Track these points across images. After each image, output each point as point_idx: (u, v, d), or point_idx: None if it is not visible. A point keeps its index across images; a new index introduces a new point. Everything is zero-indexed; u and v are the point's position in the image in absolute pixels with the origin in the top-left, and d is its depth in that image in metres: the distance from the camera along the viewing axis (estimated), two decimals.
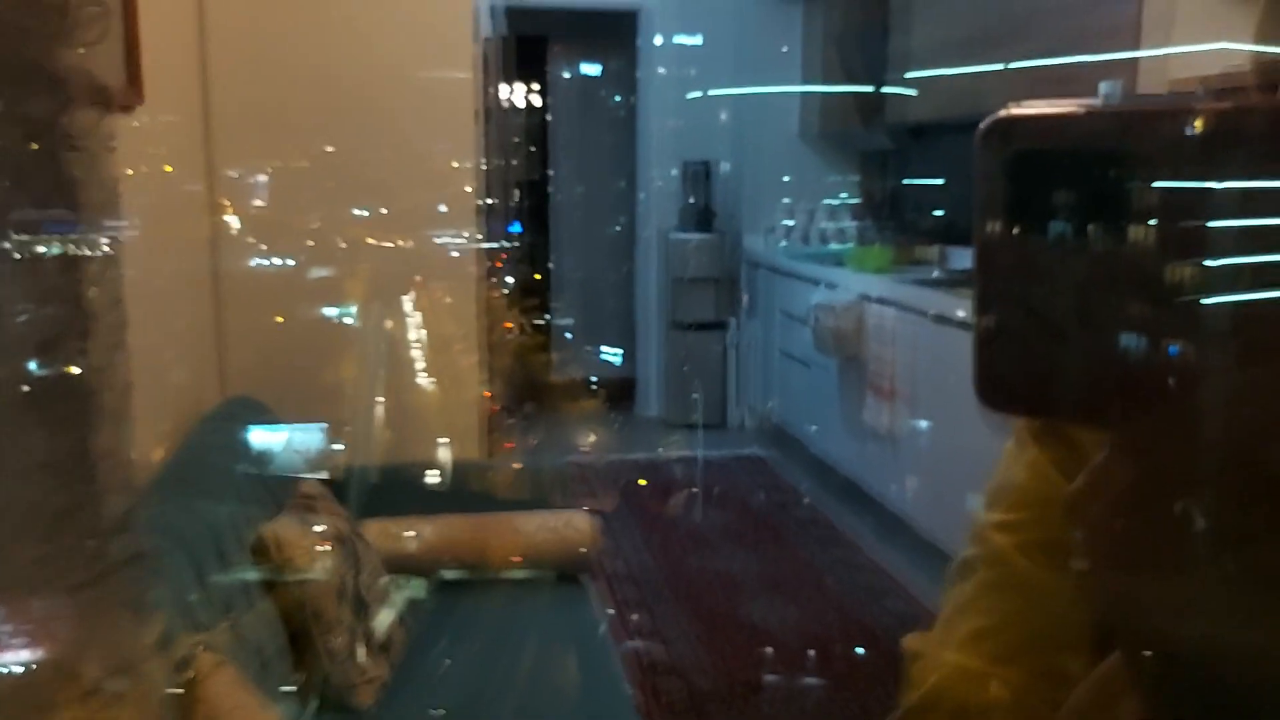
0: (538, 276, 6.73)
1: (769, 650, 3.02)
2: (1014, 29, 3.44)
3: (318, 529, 1.97)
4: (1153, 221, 0.33)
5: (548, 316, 6.66)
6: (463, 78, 2.74)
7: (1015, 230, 0.35)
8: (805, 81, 5.25)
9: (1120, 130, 0.35)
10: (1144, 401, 0.35)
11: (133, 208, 2.09)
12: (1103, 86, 0.36)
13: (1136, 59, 2.95)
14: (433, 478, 2.83)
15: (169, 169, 2.51)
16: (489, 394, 3.90)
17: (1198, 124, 0.33)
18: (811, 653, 3.00)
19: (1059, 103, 0.36)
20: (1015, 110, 0.36)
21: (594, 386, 6.25)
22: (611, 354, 6.41)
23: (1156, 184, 0.33)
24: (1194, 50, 2.80)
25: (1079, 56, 2.99)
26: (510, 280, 6.43)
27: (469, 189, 3.01)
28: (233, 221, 2.74)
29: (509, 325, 5.73)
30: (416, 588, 2.33)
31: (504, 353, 5.55)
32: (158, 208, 2.27)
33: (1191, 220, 0.33)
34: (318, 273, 2.84)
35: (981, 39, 3.68)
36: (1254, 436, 0.34)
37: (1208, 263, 0.33)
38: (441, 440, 3.05)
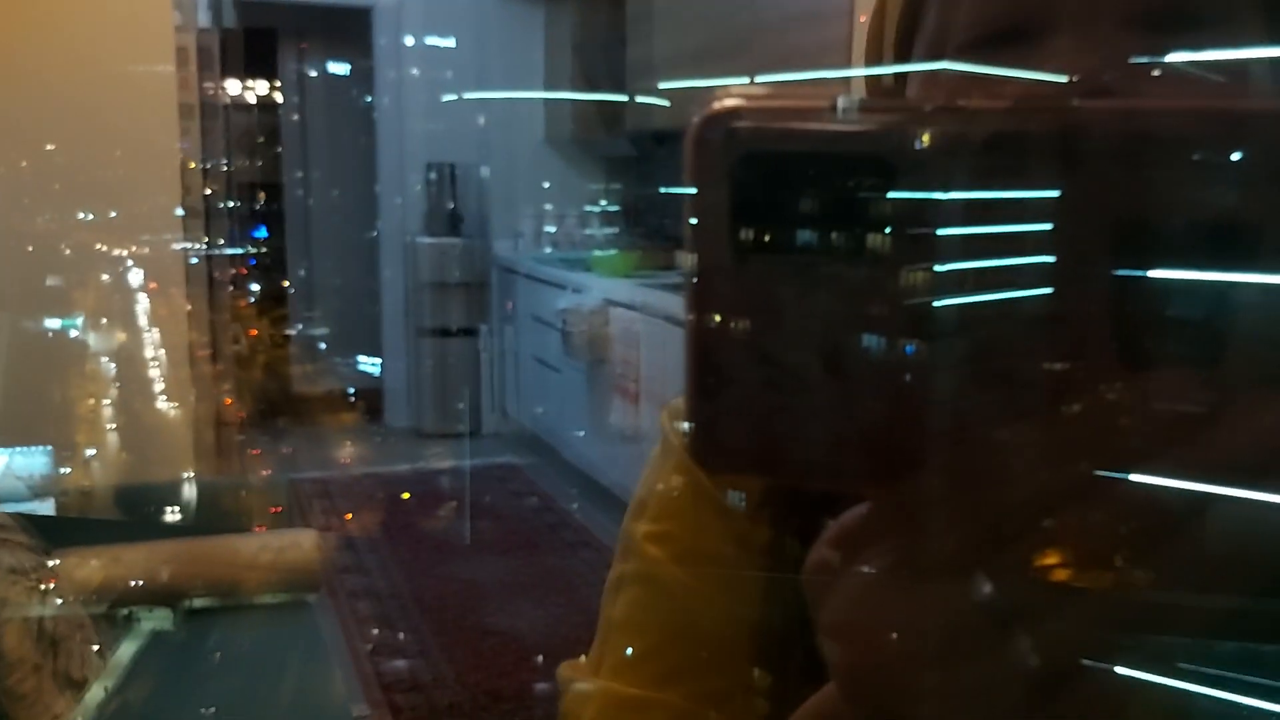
0: (286, 284, 6.44)
1: (516, 656, 3.00)
2: (739, 43, 3.58)
3: (2, 562, 1.78)
4: (903, 234, 0.28)
5: (299, 326, 6.39)
6: (165, 70, 2.56)
7: (742, 248, 0.29)
8: (549, 87, 5.27)
9: (867, 129, 0.30)
10: (904, 460, 0.29)
11: None
12: (841, 100, 0.30)
13: (849, 79, 3.13)
14: (160, 499, 2.64)
15: None
16: (230, 403, 3.69)
17: (929, 132, 0.28)
18: (557, 655, 3.00)
19: (787, 92, 0.30)
20: (734, 101, 0.30)
21: (351, 398, 6.04)
22: (369, 363, 6.21)
23: (906, 192, 0.28)
24: (913, 69, 3.01)
25: (797, 72, 3.15)
26: (255, 288, 6.12)
27: (202, 191, 2.83)
28: None
29: (253, 333, 5.46)
30: (161, 619, 2.16)
31: (249, 364, 5.27)
32: None
33: (949, 230, 0.28)
34: (37, 282, 2.60)
35: (711, 51, 3.81)
36: (1043, 495, 0.29)
37: (961, 286, 0.28)
38: (174, 459, 2.86)
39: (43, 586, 1.89)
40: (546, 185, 5.36)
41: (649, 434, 3.78)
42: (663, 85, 4.13)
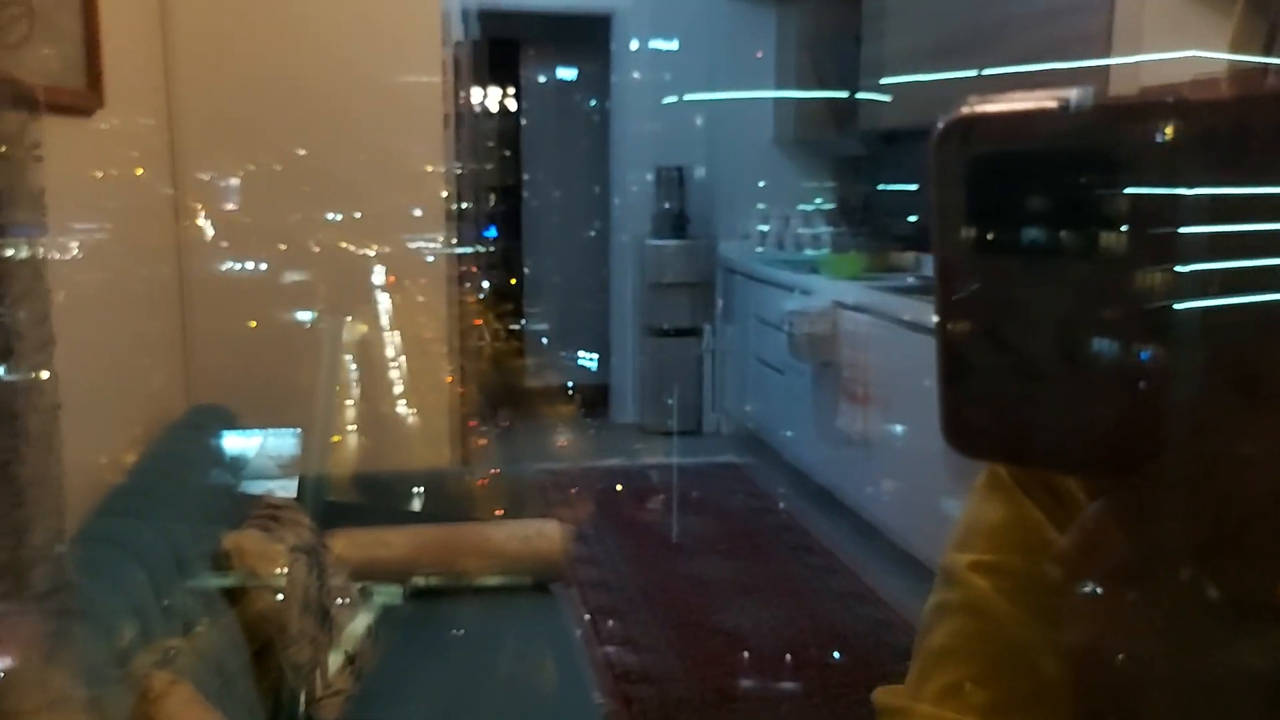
0: (514, 281, 6.71)
1: (744, 656, 3.01)
2: (985, 38, 3.45)
3: (281, 540, 1.94)
4: (1140, 232, 0.29)
5: (523, 322, 6.64)
6: (431, 82, 2.71)
7: (979, 246, 0.31)
8: (779, 87, 5.25)
9: (1097, 128, 0.30)
10: (1141, 451, 0.30)
11: (97, 211, 2.06)
12: (1072, 93, 0.31)
13: (1107, 67, 2.96)
14: (404, 486, 2.80)
15: (140, 171, 2.48)
16: (464, 394, 3.88)
17: (1176, 124, 0.29)
18: (787, 658, 3.00)
19: (1022, 99, 0.31)
20: (975, 109, 0.32)
21: (570, 392, 6.23)
22: (587, 359, 6.39)
23: (1142, 189, 0.29)
24: (1165, 58, 2.83)
25: (1050, 64, 3.00)
26: (485, 285, 6.42)
27: (441, 193, 2.99)
28: (203, 225, 2.71)
29: (478, 322, 5.71)
30: (390, 595, 2.31)
31: (479, 358, 5.53)
32: (123, 211, 2.24)
33: (1185, 227, 0.28)
34: (288, 277, 2.81)
35: (952, 47, 3.69)
36: (1274, 492, 0.29)
37: (1207, 281, 0.28)
38: (414, 447, 3.03)
39: (321, 564, 2.04)
40: (773, 186, 5.34)
41: (877, 438, 3.71)
42: (896, 80, 4.02)
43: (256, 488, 2.39)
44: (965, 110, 0.32)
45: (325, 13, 2.70)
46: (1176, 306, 0.29)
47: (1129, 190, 0.29)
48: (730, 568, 3.71)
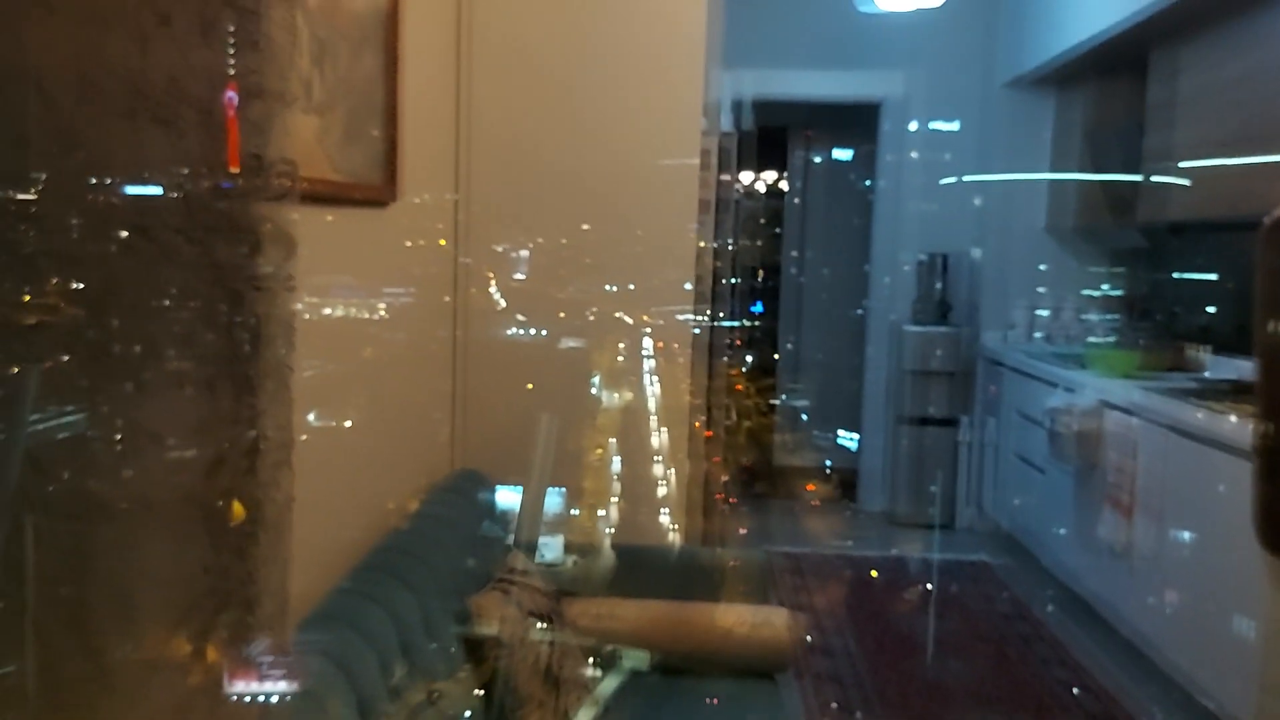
0: (776, 356, 6.77)
1: None
2: (1277, 130, 3.22)
3: (518, 604, 2.06)
4: None
5: (783, 398, 6.67)
6: (690, 166, 2.87)
7: None
8: (1055, 173, 5.07)
9: None
10: None
11: (393, 288, 2.31)
12: None
13: None
14: (645, 559, 2.89)
15: (442, 244, 2.76)
16: (717, 468, 3.96)
17: None
18: None
19: None
20: None
21: (827, 474, 6.18)
22: (845, 440, 6.32)
23: None
24: None
25: None
26: (748, 359, 6.52)
27: (695, 270, 3.10)
28: (493, 297, 2.96)
29: (738, 390, 5.78)
30: (638, 660, 2.38)
31: (737, 432, 5.61)
32: (415, 287, 2.49)
33: None
34: (557, 346, 3.00)
35: (1242, 137, 3.46)
36: None
37: None
38: (659, 519, 3.12)
39: (554, 630, 2.15)
40: (1043, 276, 5.14)
41: (1140, 550, 3.46)
42: (1191, 166, 3.80)
43: (504, 553, 2.55)
44: None
45: (599, 108, 2.91)
46: None
47: None
48: (972, 674, 3.55)
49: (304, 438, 1.83)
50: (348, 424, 2.04)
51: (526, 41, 2.88)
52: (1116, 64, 4.49)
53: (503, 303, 3.02)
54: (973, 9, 5.21)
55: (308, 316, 1.95)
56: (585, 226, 2.95)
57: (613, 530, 2.98)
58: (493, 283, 2.98)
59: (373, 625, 1.70)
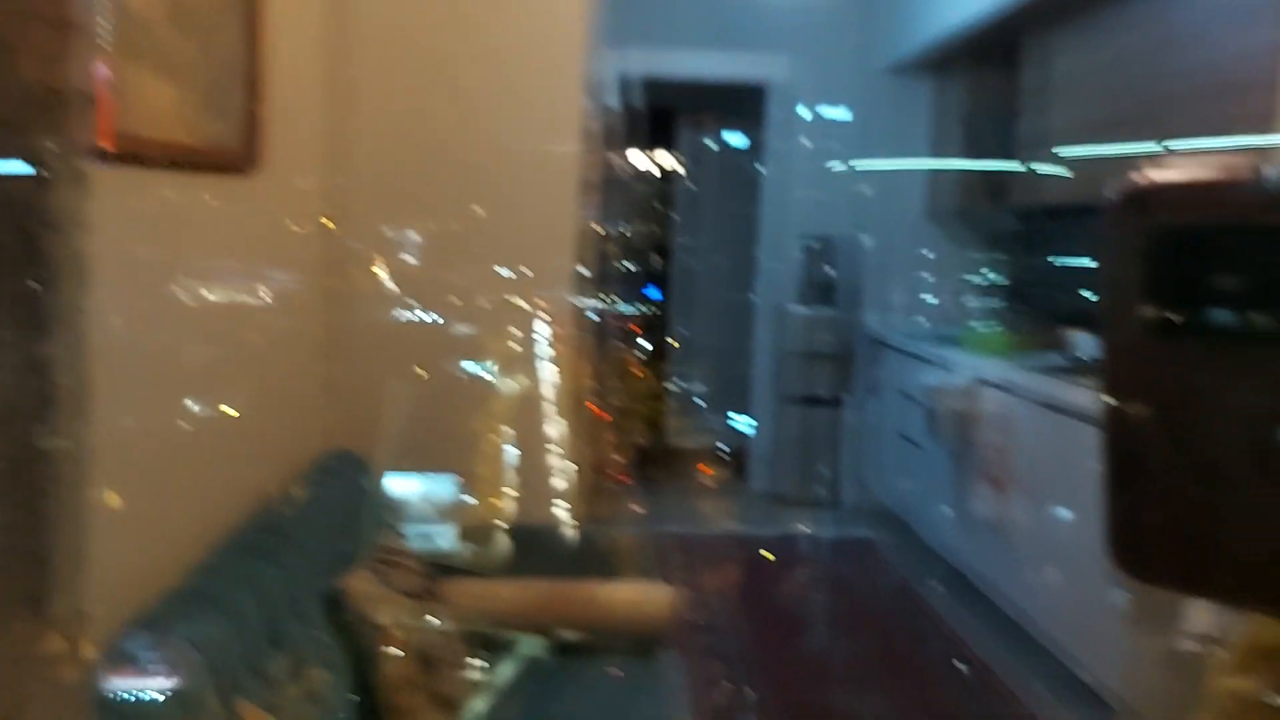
0: (670, 340, 6.79)
1: None
2: (1145, 115, 3.34)
3: (390, 584, 2.01)
4: None
5: (676, 381, 6.69)
6: (570, 149, 2.83)
7: (1160, 329, 0.24)
8: (934, 159, 5.19)
9: None
10: None
11: (246, 260, 2.22)
12: (1268, 173, 0.25)
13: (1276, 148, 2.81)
14: (529, 539, 2.86)
15: (327, 224, 2.67)
16: (610, 451, 3.95)
17: None
18: None
19: (1207, 168, 0.25)
20: (1156, 177, 0.25)
21: (720, 454, 6.22)
22: (737, 422, 6.37)
23: None
24: None
25: (1233, 139, 2.86)
26: (642, 343, 6.53)
27: (579, 252, 3.07)
28: (381, 279, 2.87)
29: (633, 371, 5.78)
30: (534, 648, 2.35)
31: (630, 415, 5.61)
32: (273, 261, 2.40)
33: None
34: (435, 330, 2.94)
35: (1115, 123, 3.59)
36: None
37: None
38: (546, 501, 3.09)
39: (429, 611, 2.11)
40: (923, 259, 5.26)
41: (1013, 524, 3.56)
42: (1065, 153, 3.92)
43: (415, 543, 2.50)
44: (1145, 178, 0.24)
45: (482, 89, 2.85)
46: None
47: None
48: (851, 646, 3.61)
49: (149, 423, 1.75)
50: (205, 406, 1.96)
51: (405, 15, 2.81)
52: (991, 50, 4.61)
53: (392, 286, 2.95)
54: None
55: (165, 289, 1.86)
56: (479, 210, 2.89)
57: (507, 515, 2.95)
58: (380, 265, 2.91)
59: (235, 604, 1.63)
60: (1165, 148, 3.17)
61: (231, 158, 1.98)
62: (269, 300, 2.38)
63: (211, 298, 2.03)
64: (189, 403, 1.96)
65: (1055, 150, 4.00)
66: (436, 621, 2.12)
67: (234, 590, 1.67)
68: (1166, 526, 0.25)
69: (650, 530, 4.65)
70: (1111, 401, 0.26)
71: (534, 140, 2.86)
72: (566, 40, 2.84)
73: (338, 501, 2.30)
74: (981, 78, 4.81)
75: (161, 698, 1.38)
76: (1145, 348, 0.25)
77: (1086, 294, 4.52)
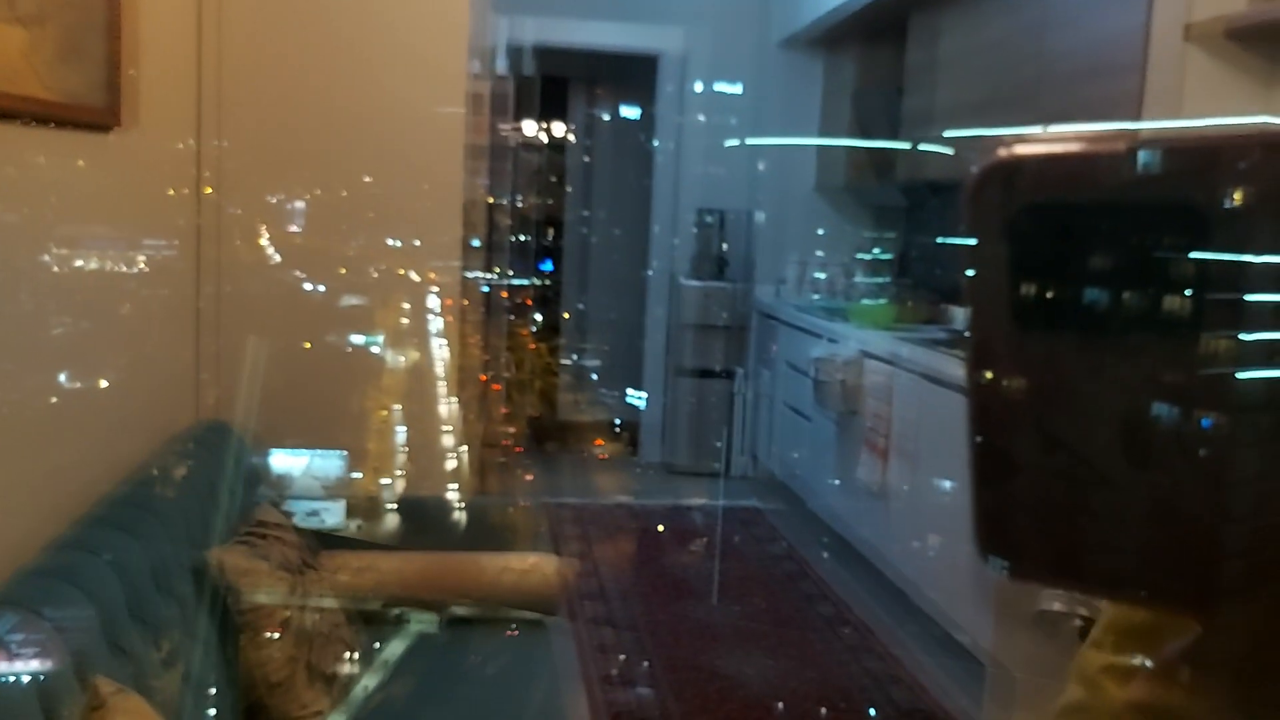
0: (564, 314, 6.76)
1: (743, 703, 2.98)
2: (1023, 96, 3.44)
3: (266, 557, 1.96)
4: (1231, 298, 0.23)
5: (574, 356, 6.67)
6: (455, 113, 2.77)
7: (1025, 316, 0.25)
8: (825, 135, 5.26)
9: (1183, 174, 0.23)
10: (1228, 580, 0.23)
11: (113, 223, 2.13)
12: (1141, 144, 0.25)
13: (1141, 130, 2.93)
14: (415, 511, 2.83)
15: (170, 192, 2.56)
16: (502, 425, 3.92)
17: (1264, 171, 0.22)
18: (783, 708, 2.96)
19: (1075, 139, 0.25)
20: (1019, 151, 0.26)
21: (614, 427, 6.24)
22: (636, 397, 6.39)
23: (1237, 250, 0.22)
24: (1205, 124, 2.79)
25: (1104, 119, 2.97)
26: (538, 317, 6.49)
27: (472, 224, 3.03)
28: (228, 245, 2.78)
29: (526, 345, 5.74)
30: (427, 623, 2.32)
31: (523, 389, 5.58)
32: (142, 226, 2.31)
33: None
34: (314, 299, 2.87)
35: (991, 102, 3.68)
36: None
37: None
38: (436, 474, 3.05)
39: (307, 585, 2.07)
40: (814, 233, 5.34)
41: (895, 491, 3.66)
42: (946, 134, 4.01)
43: (303, 521, 2.44)
44: (1007, 152, 0.26)
45: (363, 51, 2.77)
46: (1248, 378, 0.23)
47: (1216, 251, 0.23)
48: (740, 613, 3.68)
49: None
50: (70, 377, 1.87)
51: None
52: (880, 27, 4.68)
53: (276, 256, 2.86)
54: None
55: (23, 253, 1.77)
56: (365, 178, 2.82)
57: (396, 490, 2.91)
58: (262, 234, 2.81)
59: (95, 581, 1.57)
60: (1043, 129, 3.27)
61: (93, 113, 1.89)
62: (141, 267, 2.29)
63: (77, 263, 1.94)
64: (51, 374, 1.88)
65: (939, 128, 4.09)
66: (313, 596, 2.08)
67: (94, 565, 1.61)
68: (1036, 522, 0.24)
69: (542, 502, 4.65)
70: (977, 384, 0.25)
71: (419, 103, 2.80)
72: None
73: (209, 473, 2.23)
74: (872, 55, 4.89)
75: (17, 679, 1.32)
76: (1010, 330, 0.24)
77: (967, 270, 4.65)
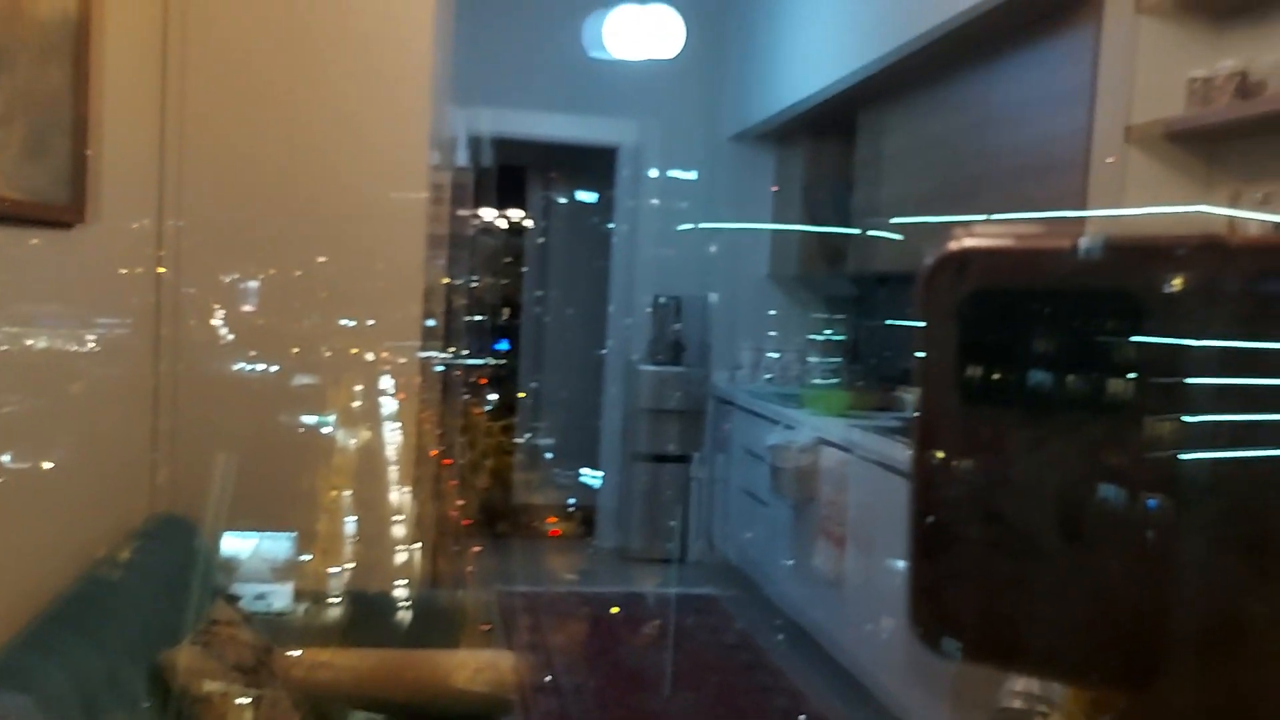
0: (520, 394, 6.75)
1: None
2: (968, 191, 3.55)
3: (220, 658, 1.92)
4: (1166, 384, 0.23)
5: (526, 436, 6.65)
6: (416, 198, 2.82)
7: (972, 394, 0.26)
8: (778, 224, 5.38)
9: (1118, 268, 0.25)
10: (1160, 660, 0.24)
11: (76, 313, 2.11)
12: (1084, 239, 0.26)
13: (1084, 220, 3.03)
14: (370, 605, 2.78)
15: (125, 271, 2.55)
16: (456, 509, 3.87)
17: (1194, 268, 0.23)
18: None
19: (1022, 231, 0.26)
20: (971, 242, 0.26)
21: (570, 510, 6.20)
22: (588, 478, 6.37)
23: (1170, 336, 0.24)
24: (1146, 214, 2.89)
25: (1048, 212, 3.06)
26: (492, 397, 6.46)
27: (425, 305, 3.04)
28: (216, 329, 2.77)
29: (482, 426, 5.70)
30: None
31: (477, 470, 5.54)
32: (104, 313, 2.29)
33: (1215, 378, 0.23)
34: (273, 381, 2.85)
35: (938, 197, 3.79)
36: None
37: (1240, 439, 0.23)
38: (390, 563, 3.01)
39: (259, 683, 2.02)
40: (767, 319, 5.42)
41: (852, 579, 3.67)
42: (896, 222, 4.12)
43: (249, 604, 2.39)
44: (958, 244, 0.27)
45: (326, 137, 2.81)
46: (1189, 460, 0.23)
47: (1155, 338, 0.24)
48: (694, 702, 3.64)
49: None
50: (21, 460, 1.84)
51: (244, 65, 2.75)
52: (829, 123, 4.82)
53: (229, 336, 2.84)
54: (701, 64, 5.45)
55: None
56: (321, 259, 2.83)
57: (346, 576, 2.86)
58: (218, 314, 2.81)
59: (49, 685, 1.53)
60: (988, 218, 3.38)
61: (57, 211, 1.89)
62: (95, 348, 2.27)
63: (27, 341, 1.92)
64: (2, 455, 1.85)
65: (886, 219, 4.21)
66: (268, 697, 2.03)
67: (46, 668, 1.57)
68: (974, 598, 0.25)
69: (496, 589, 4.59)
70: (923, 460, 0.26)
71: (378, 189, 2.83)
72: (412, 93, 2.83)
73: (165, 568, 2.19)
74: (822, 148, 5.03)
75: None
76: (958, 408, 0.25)
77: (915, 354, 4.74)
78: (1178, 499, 0.24)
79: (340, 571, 2.87)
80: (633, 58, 4.71)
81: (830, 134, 4.91)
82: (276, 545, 2.76)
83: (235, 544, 2.70)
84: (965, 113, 3.67)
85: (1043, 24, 3.11)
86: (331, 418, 2.93)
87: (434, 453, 3.45)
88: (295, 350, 2.86)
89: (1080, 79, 2.90)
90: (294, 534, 2.78)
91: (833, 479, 3.85)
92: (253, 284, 2.83)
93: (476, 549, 5.04)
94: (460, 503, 4.11)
